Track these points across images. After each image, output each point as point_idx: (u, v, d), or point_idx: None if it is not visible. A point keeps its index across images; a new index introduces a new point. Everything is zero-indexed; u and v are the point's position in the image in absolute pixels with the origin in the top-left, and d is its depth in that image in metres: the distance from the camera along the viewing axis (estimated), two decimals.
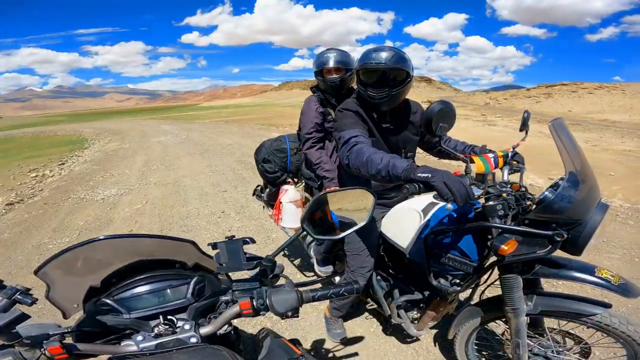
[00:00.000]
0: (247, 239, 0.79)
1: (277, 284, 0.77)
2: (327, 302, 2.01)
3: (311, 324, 2.17)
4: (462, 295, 1.71)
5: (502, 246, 1.09)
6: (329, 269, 2.25)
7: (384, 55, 1.42)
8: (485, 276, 1.36)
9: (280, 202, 2.26)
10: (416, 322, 1.68)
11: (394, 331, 2.03)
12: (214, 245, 0.78)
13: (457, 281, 1.40)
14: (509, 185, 1.24)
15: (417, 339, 1.96)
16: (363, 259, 1.68)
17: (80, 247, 0.65)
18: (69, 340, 0.62)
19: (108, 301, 0.67)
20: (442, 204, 1.40)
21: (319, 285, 0.76)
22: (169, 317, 0.68)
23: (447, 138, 1.78)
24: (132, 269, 0.71)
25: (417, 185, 1.05)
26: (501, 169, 1.37)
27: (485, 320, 1.43)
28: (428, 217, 1.43)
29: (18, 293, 0.62)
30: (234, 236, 0.79)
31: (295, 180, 2.39)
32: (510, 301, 1.24)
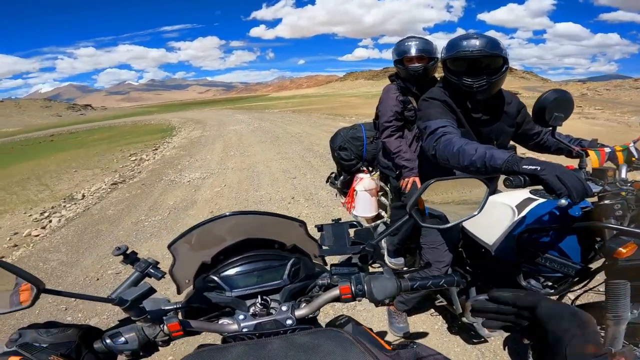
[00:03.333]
0: (355, 222, 0.78)
1: (371, 270, 0.75)
2: None
3: (373, 315, 2.15)
4: None
5: (620, 249, 0.97)
6: (400, 260, 2.22)
7: (477, 42, 1.38)
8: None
9: (355, 190, 2.27)
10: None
11: (459, 330, 1.94)
12: (320, 228, 0.78)
13: (550, 284, 1.29)
14: (630, 184, 1.09)
15: (485, 341, 1.84)
16: (441, 253, 1.62)
17: (209, 222, 0.65)
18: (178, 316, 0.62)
19: (215, 278, 0.66)
20: (541, 200, 1.28)
21: (416, 274, 0.72)
22: (264, 297, 0.66)
23: (546, 130, 1.61)
24: (236, 247, 0.71)
25: (522, 178, 0.98)
26: (619, 165, 1.20)
27: None
28: (523, 213, 1.32)
29: (150, 267, 0.63)
30: (340, 219, 0.78)
31: (370, 169, 2.38)
32: (613, 308, 1.11)
